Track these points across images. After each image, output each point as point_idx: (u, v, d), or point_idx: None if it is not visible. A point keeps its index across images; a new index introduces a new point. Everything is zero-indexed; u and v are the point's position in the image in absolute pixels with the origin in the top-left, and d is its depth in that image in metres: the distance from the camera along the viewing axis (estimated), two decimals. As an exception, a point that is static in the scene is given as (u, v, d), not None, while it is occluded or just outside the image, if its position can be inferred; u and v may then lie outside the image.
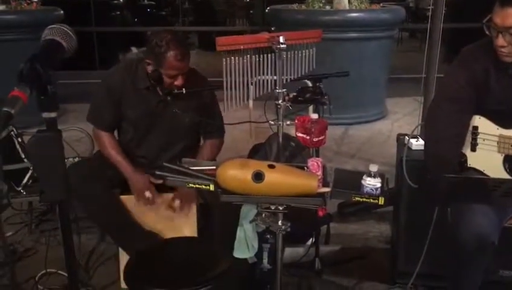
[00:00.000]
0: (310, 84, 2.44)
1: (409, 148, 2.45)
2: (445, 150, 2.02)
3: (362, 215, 3.24)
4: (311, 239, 2.70)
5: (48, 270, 2.57)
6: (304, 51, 1.97)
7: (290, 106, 1.94)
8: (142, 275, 1.80)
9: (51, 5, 5.58)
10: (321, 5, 5.39)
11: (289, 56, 1.94)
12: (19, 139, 2.88)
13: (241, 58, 1.84)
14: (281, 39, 1.86)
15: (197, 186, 1.87)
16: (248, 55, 1.85)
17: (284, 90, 1.90)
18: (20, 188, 2.65)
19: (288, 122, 1.93)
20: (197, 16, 10.69)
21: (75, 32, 1.43)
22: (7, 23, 5.00)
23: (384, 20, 5.22)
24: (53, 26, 1.39)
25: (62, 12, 5.42)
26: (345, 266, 2.71)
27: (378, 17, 5.21)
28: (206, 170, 1.92)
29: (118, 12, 9.07)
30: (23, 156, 2.87)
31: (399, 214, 2.55)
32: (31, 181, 2.75)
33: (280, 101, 1.91)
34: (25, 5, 5.30)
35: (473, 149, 2.00)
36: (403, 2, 9.11)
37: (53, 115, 1.22)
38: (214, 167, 1.87)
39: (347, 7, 5.25)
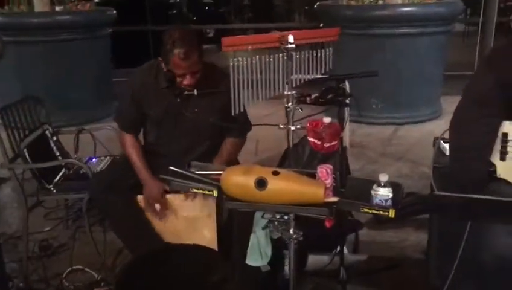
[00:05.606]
0: (339, 84, 2.32)
1: (443, 153, 2.27)
2: (473, 159, 1.84)
3: (399, 221, 3.06)
4: (338, 247, 2.57)
5: (74, 267, 2.62)
6: (318, 51, 1.84)
7: (301, 108, 1.83)
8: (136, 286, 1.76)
9: (108, 5, 5.77)
10: (372, -1, 5.19)
11: (302, 56, 1.82)
12: (54, 138, 2.98)
13: (249, 59, 1.75)
14: (290, 39, 1.76)
15: (201, 191, 1.82)
16: (257, 56, 1.75)
17: (294, 92, 1.80)
18: (51, 186, 2.71)
19: (298, 126, 1.82)
20: (256, 12, 10.70)
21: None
22: (62, 24, 5.20)
23: (439, 14, 4.93)
24: None
25: (115, 12, 5.58)
26: (374, 277, 2.56)
27: (432, 11, 4.93)
28: (213, 174, 1.87)
29: (175, 11, 9.23)
30: (57, 154, 2.96)
31: (432, 223, 2.38)
32: (62, 179, 2.82)
33: (289, 104, 1.81)
34: (80, 6, 5.49)
35: (503, 158, 1.80)
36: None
37: None
38: (221, 172, 1.81)
39: (399, 1, 5.01)
